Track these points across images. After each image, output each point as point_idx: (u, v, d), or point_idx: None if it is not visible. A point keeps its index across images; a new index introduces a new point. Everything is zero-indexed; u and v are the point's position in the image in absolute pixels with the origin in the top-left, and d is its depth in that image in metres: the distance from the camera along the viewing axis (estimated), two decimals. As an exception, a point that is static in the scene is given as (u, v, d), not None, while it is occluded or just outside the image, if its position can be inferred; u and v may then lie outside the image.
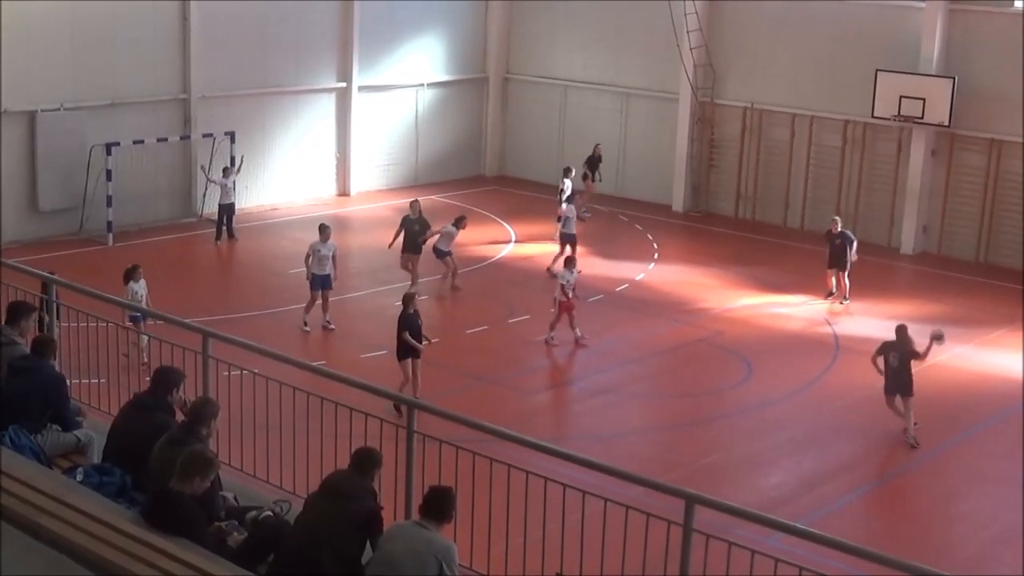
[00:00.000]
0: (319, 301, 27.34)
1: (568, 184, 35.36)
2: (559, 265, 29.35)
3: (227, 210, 34.99)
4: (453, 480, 10.65)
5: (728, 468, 21.43)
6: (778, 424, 23.49)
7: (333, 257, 27.40)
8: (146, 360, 21.37)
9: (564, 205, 33.93)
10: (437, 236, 30.22)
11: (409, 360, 22.90)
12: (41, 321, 16.09)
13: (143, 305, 20.84)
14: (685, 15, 38.82)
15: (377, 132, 42.23)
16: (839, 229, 30.73)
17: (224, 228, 35.01)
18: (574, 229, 32.51)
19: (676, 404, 24.63)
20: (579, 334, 27.21)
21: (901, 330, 22.56)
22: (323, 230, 27.53)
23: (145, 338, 21.31)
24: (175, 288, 29.79)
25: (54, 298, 14.99)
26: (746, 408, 24.14)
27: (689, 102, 40.05)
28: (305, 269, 27.56)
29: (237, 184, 35.60)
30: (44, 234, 33.87)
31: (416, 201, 31.29)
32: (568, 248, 31.47)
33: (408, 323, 22.93)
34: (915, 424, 22.32)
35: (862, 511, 20.34)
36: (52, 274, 15.86)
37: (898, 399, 22.38)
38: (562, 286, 27.11)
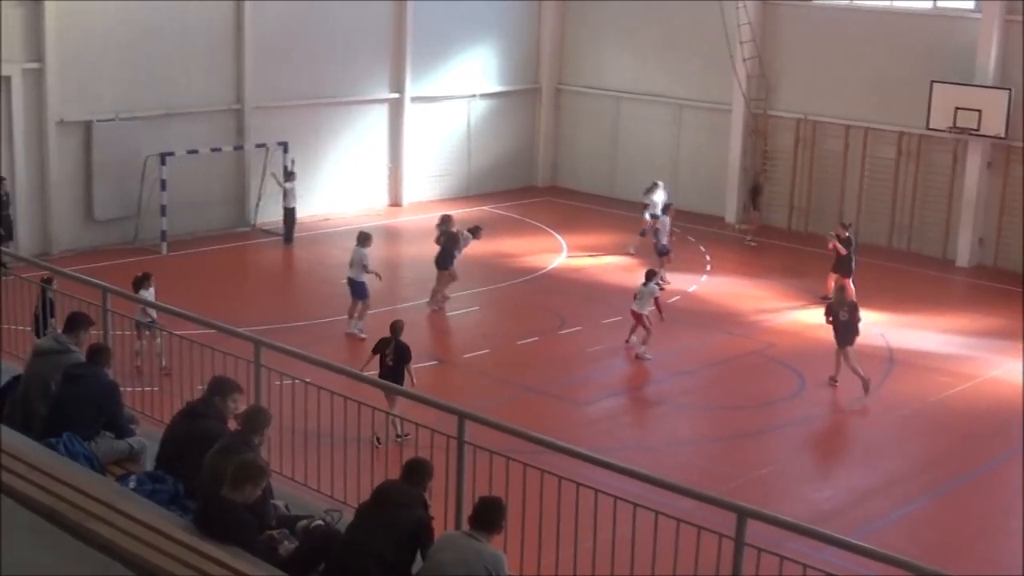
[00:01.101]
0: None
1: (656, 198, 35.18)
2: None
3: (292, 213, 35.81)
4: (503, 491, 10.64)
5: (780, 481, 21.29)
6: (830, 437, 23.34)
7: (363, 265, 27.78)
8: (165, 364, 21.33)
9: (650, 217, 34.19)
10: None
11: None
12: (43, 321, 16.27)
13: (151, 314, 20.61)
14: (738, 26, 38.72)
15: (429, 143, 42.32)
16: (846, 235, 30.93)
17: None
18: (665, 240, 32.86)
19: (728, 416, 24.50)
20: (633, 341, 27.47)
21: (839, 290, 26.55)
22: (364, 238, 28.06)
23: (160, 343, 21.78)
24: (228, 297, 29.97)
25: (108, 307, 15.08)
26: (798, 420, 24.01)
27: (742, 113, 39.92)
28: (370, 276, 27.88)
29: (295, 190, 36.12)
30: (99, 243, 34.15)
31: (448, 216, 31.15)
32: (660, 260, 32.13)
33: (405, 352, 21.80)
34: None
35: (913, 525, 20.14)
36: (110, 283, 15.96)
37: (848, 349, 25.06)
38: (656, 299, 27.58)
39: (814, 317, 29.70)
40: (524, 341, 27.92)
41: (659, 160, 41.55)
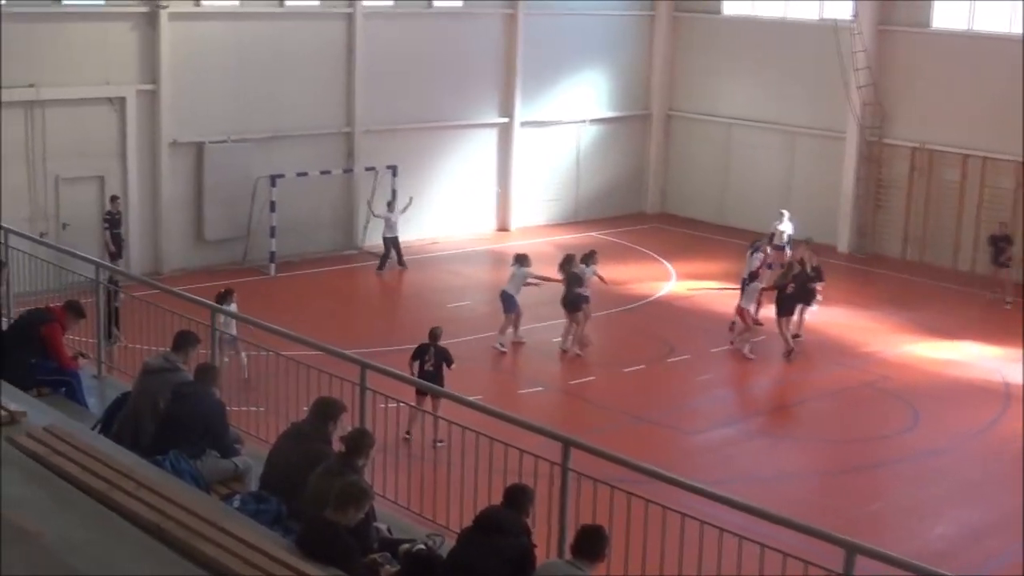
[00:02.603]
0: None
1: (783, 227, 34.81)
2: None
3: (392, 243, 35.60)
4: (607, 520, 10.59)
5: (891, 517, 21.00)
6: (944, 473, 22.98)
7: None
8: (247, 376, 22.06)
9: (773, 248, 33.50)
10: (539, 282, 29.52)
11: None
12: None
13: (232, 331, 20.77)
14: (853, 52, 38.41)
15: (538, 167, 42.41)
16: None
17: (389, 259, 35.63)
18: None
19: (839, 449, 24.24)
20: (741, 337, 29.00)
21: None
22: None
23: (244, 356, 22.58)
24: (335, 319, 30.20)
25: (217, 327, 15.24)
26: (911, 456, 23.67)
27: (856, 141, 39.56)
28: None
29: (399, 218, 36.08)
30: (209, 263, 34.65)
31: (571, 256, 29.85)
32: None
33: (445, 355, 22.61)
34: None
35: (1030, 566, 19.81)
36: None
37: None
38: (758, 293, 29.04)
39: (930, 350, 29.38)
40: (631, 369, 27.85)
41: (771, 188, 41.27)
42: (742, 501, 10.42)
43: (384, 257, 35.71)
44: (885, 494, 22.03)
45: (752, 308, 29.14)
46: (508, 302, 28.83)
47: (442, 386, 20.41)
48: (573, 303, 28.76)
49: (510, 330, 29.01)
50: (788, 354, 28.69)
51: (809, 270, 29.60)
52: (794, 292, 28.95)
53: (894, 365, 28.81)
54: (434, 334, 22.52)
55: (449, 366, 22.25)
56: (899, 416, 25.66)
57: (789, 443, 24.43)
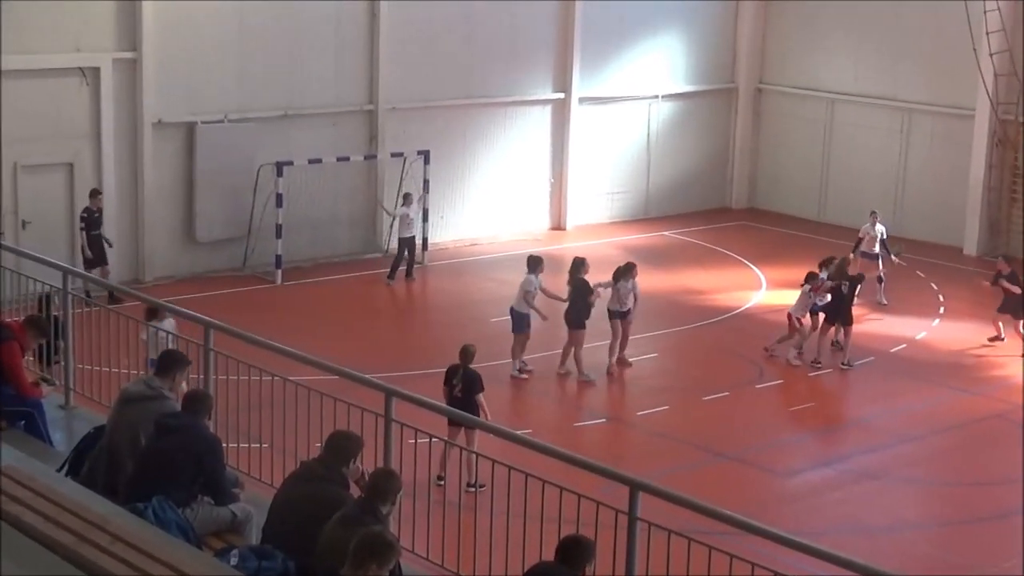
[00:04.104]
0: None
1: (879, 229, 34.49)
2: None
3: (407, 244, 35.35)
4: (682, 579, 10.56)
5: (1028, 577, 20.91)
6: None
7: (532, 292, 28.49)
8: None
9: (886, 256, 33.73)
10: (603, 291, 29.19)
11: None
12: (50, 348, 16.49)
13: (170, 346, 20.29)
14: (985, 13, 38.18)
15: (601, 153, 42.43)
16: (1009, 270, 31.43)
17: (403, 264, 35.38)
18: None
19: (964, 494, 24.13)
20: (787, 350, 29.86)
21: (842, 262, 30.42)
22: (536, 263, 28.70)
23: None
24: (354, 336, 30.24)
25: (211, 346, 15.26)
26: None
27: (988, 120, 39.39)
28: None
29: (419, 215, 36.10)
30: (201, 269, 34.73)
31: (581, 259, 29.54)
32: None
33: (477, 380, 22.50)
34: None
35: None
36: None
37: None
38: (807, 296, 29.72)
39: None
40: (712, 396, 27.79)
41: (882, 177, 41.12)
42: (846, 556, 10.34)
43: (396, 262, 35.38)
44: (1019, 549, 21.89)
45: (803, 315, 30.10)
46: (515, 319, 28.55)
47: (475, 415, 20.51)
48: (570, 319, 28.54)
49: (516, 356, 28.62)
50: (814, 362, 29.67)
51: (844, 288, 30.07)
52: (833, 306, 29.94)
53: (1031, 392, 28.66)
54: (466, 353, 22.47)
55: (477, 393, 22.04)
56: (1037, 455, 25.53)
57: (904, 487, 24.33)
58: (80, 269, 28.11)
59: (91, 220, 31.71)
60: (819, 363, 29.47)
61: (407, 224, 35.29)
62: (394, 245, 36.47)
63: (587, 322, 28.44)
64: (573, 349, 28.48)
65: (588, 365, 28.27)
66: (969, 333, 32.40)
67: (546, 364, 28.65)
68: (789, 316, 29.89)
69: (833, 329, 29.92)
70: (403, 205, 35.52)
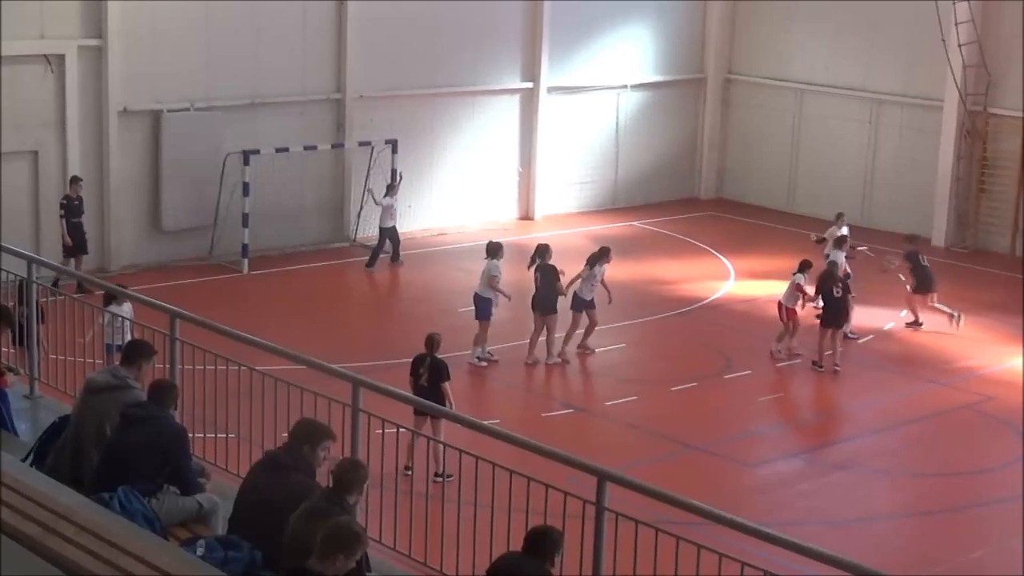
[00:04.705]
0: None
1: (844, 232, 34.45)
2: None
3: (390, 234, 35.64)
4: (650, 568, 10.57)
5: (998, 565, 21.00)
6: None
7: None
8: None
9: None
10: (578, 282, 29.34)
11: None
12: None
13: (126, 333, 20.27)
14: (954, 3, 38.27)
15: (569, 143, 42.45)
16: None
17: (384, 253, 35.63)
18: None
19: (933, 485, 24.23)
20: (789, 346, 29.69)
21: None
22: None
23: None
24: (321, 326, 30.20)
25: (176, 335, 15.21)
26: (1020, 493, 23.60)
27: (956, 111, 39.47)
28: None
29: (398, 202, 36.16)
30: (166, 258, 34.65)
31: (545, 246, 29.76)
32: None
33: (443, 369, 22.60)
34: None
35: None
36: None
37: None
38: (798, 286, 29.33)
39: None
40: (680, 387, 27.83)
41: (850, 167, 41.19)
42: (815, 547, 10.38)
43: (377, 251, 35.64)
44: (990, 539, 22.00)
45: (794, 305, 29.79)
46: (479, 305, 28.66)
47: (442, 404, 20.56)
48: (542, 304, 28.61)
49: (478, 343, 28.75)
50: (815, 364, 29.22)
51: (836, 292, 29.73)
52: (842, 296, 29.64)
53: (1000, 384, 28.74)
54: (432, 342, 22.49)
55: (443, 382, 22.09)
56: (1005, 445, 25.62)
57: (872, 478, 24.37)
58: (47, 259, 27.99)
59: (71, 207, 31.82)
60: (820, 366, 29.05)
61: (389, 214, 35.46)
62: (362, 234, 36.61)
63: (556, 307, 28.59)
64: (545, 335, 28.57)
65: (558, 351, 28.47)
66: (938, 325, 32.41)
67: (513, 354, 28.67)
68: (779, 305, 29.85)
69: (831, 332, 29.40)
70: (387, 195, 35.61)
